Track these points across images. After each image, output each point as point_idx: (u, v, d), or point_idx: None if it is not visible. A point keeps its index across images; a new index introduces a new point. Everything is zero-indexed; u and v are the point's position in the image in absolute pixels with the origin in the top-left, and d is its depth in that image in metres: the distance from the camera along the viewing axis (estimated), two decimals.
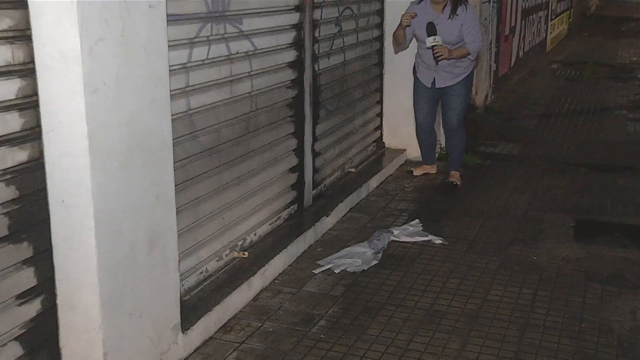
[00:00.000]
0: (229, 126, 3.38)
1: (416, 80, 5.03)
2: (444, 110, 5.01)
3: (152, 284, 2.58)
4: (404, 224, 4.35)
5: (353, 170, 5.11)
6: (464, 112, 5.01)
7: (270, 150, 3.82)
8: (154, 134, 2.49)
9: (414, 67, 5.06)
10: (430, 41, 4.67)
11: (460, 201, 4.86)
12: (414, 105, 5.12)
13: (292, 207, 4.18)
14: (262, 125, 3.70)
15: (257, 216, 3.74)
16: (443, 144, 5.65)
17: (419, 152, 5.45)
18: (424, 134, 5.20)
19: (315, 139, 4.40)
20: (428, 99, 5.01)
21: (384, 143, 5.81)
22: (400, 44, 4.99)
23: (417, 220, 4.39)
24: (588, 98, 8.45)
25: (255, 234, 3.75)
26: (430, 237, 4.15)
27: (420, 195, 4.98)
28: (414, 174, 5.29)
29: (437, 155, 5.51)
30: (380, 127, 5.75)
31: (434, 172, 5.37)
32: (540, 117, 7.53)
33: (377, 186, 5.12)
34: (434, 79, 4.89)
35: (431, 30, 4.67)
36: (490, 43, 7.53)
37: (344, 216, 4.52)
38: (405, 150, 5.74)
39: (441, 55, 4.67)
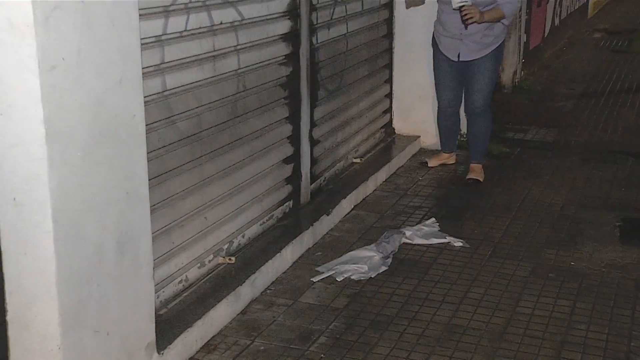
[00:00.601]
0: (212, 110, 3.38)
1: (437, 53, 4.97)
2: (468, 90, 4.96)
3: (121, 296, 2.58)
4: (418, 223, 4.36)
5: (358, 160, 5.12)
6: (491, 92, 4.98)
7: (261, 138, 3.82)
8: (123, 118, 2.48)
9: (434, 37, 5.00)
10: (457, 1, 4.60)
11: (484, 197, 4.86)
12: (436, 85, 5.08)
13: (286, 204, 4.18)
14: (251, 108, 3.70)
15: (245, 215, 3.74)
16: (463, 130, 5.65)
17: (436, 139, 5.46)
18: (448, 120, 5.17)
19: (313, 124, 4.39)
20: (453, 77, 4.95)
21: (393, 129, 5.80)
22: None
23: (433, 220, 4.39)
24: (637, 73, 8.42)
25: (243, 236, 3.75)
26: (448, 239, 4.16)
27: (436, 189, 4.98)
28: (429, 165, 5.28)
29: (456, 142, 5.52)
30: (389, 110, 5.74)
31: (452, 162, 5.36)
32: (580, 96, 7.52)
33: (386, 179, 5.13)
34: (460, 51, 4.83)
35: None
36: (520, 10, 7.51)
37: (347, 214, 4.52)
38: (418, 137, 5.73)
39: (471, 18, 4.62)
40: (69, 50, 2.23)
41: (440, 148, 5.39)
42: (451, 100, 5.04)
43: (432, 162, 5.30)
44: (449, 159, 5.34)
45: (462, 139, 5.69)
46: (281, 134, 4.03)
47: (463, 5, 4.60)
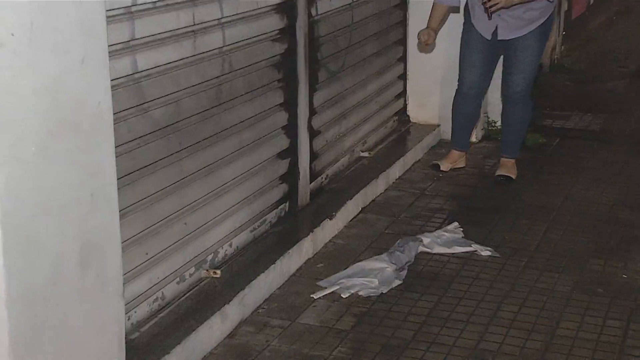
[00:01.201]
0: (193, 95, 3.38)
1: (469, 25, 4.92)
2: (507, 73, 4.96)
3: (84, 317, 2.57)
4: (438, 229, 4.36)
5: (366, 154, 5.13)
6: (535, 75, 4.98)
7: (251, 129, 3.82)
8: (85, 105, 2.48)
9: (466, 6, 4.95)
10: None
11: (518, 196, 4.86)
12: (461, 63, 5.04)
13: (281, 206, 4.18)
14: (239, 93, 3.69)
15: (232, 220, 3.75)
16: (493, 118, 5.64)
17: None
18: (466, 106, 5.16)
19: (312, 111, 4.38)
20: (485, 56, 4.93)
21: (408, 117, 5.81)
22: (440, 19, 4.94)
23: (456, 224, 4.40)
24: None
25: (230, 245, 3.75)
26: (474, 247, 4.16)
27: (460, 188, 4.98)
28: (442, 168, 5.22)
29: (482, 132, 5.49)
30: (403, 94, 5.74)
31: (462, 165, 5.28)
32: (633, 76, 7.51)
33: (400, 176, 5.14)
34: (496, 27, 4.79)
35: None
36: None
37: (353, 218, 4.53)
38: (438, 125, 5.74)
39: (496, 4, 4.57)
40: (20, 25, 2.22)
41: (451, 145, 5.30)
42: (476, 82, 5.01)
43: (445, 165, 5.23)
44: (459, 160, 5.26)
45: (491, 127, 5.68)
46: (275, 124, 4.03)
47: None
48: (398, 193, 4.89)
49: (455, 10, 5.09)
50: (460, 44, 5.01)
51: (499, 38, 4.81)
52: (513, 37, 4.79)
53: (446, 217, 4.55)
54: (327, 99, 4.58)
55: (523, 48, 4.79)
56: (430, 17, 4.91)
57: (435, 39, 4.91)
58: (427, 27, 4.88)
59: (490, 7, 4.60)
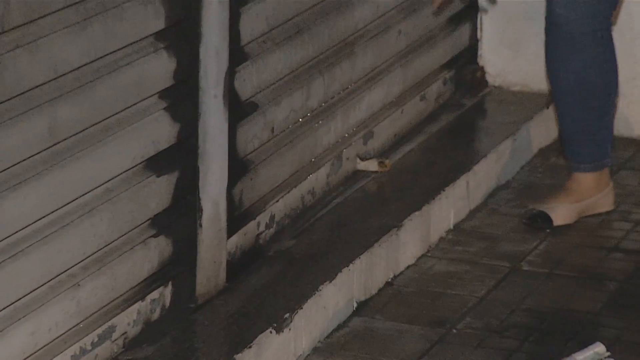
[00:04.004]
0: None
1: None
2: None
3: None
4: (556, 358, 4.38)
5: (375, 167, 5.26)
6: None
7: (80, 95, 3.65)
8: None
9: None
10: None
11: None
12: None
13: (153, 297, 4.14)
14: (56, 5, 3.66)
15: (27, 330, 3.74)
16: None
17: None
18: (582, 55, 5.38)
19: (239, 55, 4.62)
20: None
21: (482, 72, 5.96)
22: None
23: (602, 348, 4.43)
24: None
25: None
26: None
27: (605, 258, 5.08)
28: (556, 223, 5.63)
29: None
30: (469, 18, 5.86)
31: (607, 207, 5.56)
32: None
33: (458, 223, 5.28)
34: None
35: None
36: None
37: (338, 330, 4.50)
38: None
39: None
40: None
41: (568, 160, 5.89)
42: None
43: (562, 213, 5.66)
44: (599, 196, 5.66)
45: None
46: (142, 83, 4.23)
47: None
48: (452, 266, 5.02)
49: None
50: None
51: None
52: None
53: (573, 329, 4.48)
54: (276, 23, 4.66)
55: None
56: None
57: None
58: None
59: None
